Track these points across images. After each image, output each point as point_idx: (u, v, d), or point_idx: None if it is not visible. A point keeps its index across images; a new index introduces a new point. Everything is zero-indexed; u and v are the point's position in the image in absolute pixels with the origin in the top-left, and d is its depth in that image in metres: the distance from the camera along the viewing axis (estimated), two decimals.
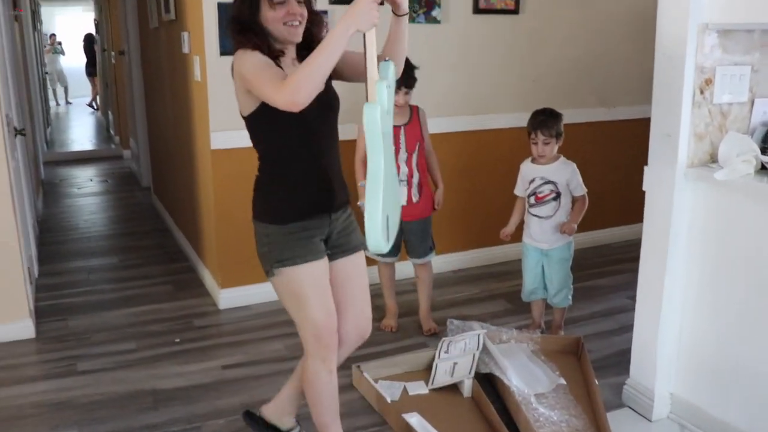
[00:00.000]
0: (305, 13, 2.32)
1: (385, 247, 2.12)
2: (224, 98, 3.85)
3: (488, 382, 3.20)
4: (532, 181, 3.62)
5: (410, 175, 3.67)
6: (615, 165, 5.12)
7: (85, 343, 3.78)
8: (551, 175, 3.58)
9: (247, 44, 2.27)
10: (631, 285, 4.26)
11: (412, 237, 3.76)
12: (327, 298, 2.41)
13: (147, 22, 5.89)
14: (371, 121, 2.08)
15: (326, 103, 2.37)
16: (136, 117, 7.27)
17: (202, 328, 3.92)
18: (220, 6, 3.74)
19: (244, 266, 4.08)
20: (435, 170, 3.79)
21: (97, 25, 13.08)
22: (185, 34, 4.21)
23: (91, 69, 14.37)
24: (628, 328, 3.20)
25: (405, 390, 3.16)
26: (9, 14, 5.17)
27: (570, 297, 3.72)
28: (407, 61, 3.41)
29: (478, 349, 3.20)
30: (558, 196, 3.57)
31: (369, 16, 2.09)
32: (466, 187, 4.65)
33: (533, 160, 3.65)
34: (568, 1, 4.69)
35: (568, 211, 3.62)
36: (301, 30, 2.32)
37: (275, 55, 2.29)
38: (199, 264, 4.70)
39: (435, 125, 4.29)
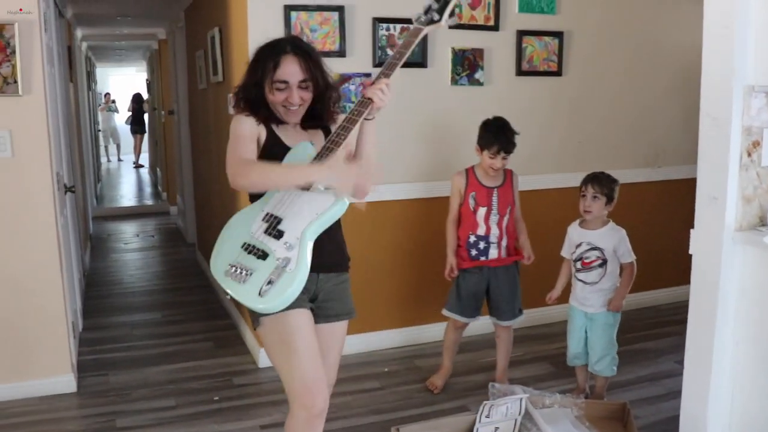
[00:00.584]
0: (307, 96, 2.42)
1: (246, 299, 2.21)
2: None
3: None
4: (579, 245, 3.58)
5: (500, 238, 3.69)
6: (663, 225, 5.05)
7: (126, 399, 3.79)
8: (598, 240, 3.53)
9: (244, 110, 2.44)
10: (679, 348, 4.15)
11: (498, 297, 3.75)
12: (312, 351, 2.35)
13: (196, 83, 6.04)
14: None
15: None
16: (183, 174, 7.41)
17: (241, 387, 3.91)
18: None
19: None
20: (522, 234, 3.82)
21: (148, 85, 13.46)
22: (231, 96, 4.30)
23: (135, 127, 14.77)
24: (677, 393, 3.11)
25: None
26: (65, 77, 5.35)
27: (614, 367, 3.61)
28: (508, 126, 3.62)
29: (520, 413, 3.13)
30: (604, 263, 3.52)
31: (347, 183, 2.21)
32: None
33: (581, 223, 3.61)
34: (611, 63, 4.70)
35: (616, 277, 3.55)
36: (301, 111, 2.44)
37: (274, 122, 2.45)
38: (240, 321, 4.71)
39: None
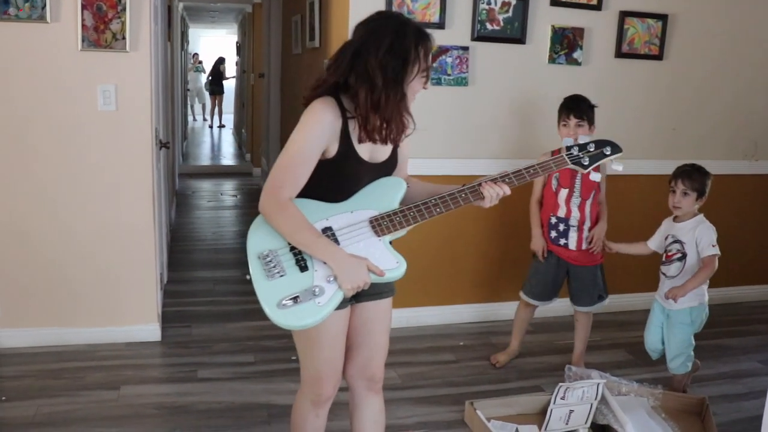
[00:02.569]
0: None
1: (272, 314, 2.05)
2: None
3: None
4: (667, 237, 3.52)
5: (581, 221, 3.65)
6: (757, 220, 4.92)
7: (207, 351, 3.91)
8: (681, 234, 3.45)
9: (379, 124, 2.12)
10: (763, 348, 4.08)
11: (578, 284, 3.73)
12: (338, 350, 2.31)
13: (290, 47, 6.11)
14: None
15: (387, 168, 2.28)
16: (270, 137, 7.52)
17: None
18: None
19: None
20: (601, 221, 3.72)
21: (238, 48, 13.67)
22: (327, 62, 4.35)
23: (214, 88, 15.10)
24: (759, 394, 3.05)
25: None
26: (165, 36, 5.47)
27: (689, 365, 3.53)
28: (579, 96, 3.63)
29: (596, 398, 3.11)
30: (683, 256, 3.42)
31: (355, 277, 2.05)
32: None
33: (674, 218, 3.52)
34: (713, 49, 4.55)
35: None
36: None
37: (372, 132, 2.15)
38: None
39: None
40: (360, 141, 2.16)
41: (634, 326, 4.45)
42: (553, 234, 3.67)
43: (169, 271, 5.19)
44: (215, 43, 18.07)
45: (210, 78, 15.26)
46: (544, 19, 4.13)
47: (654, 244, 3.61)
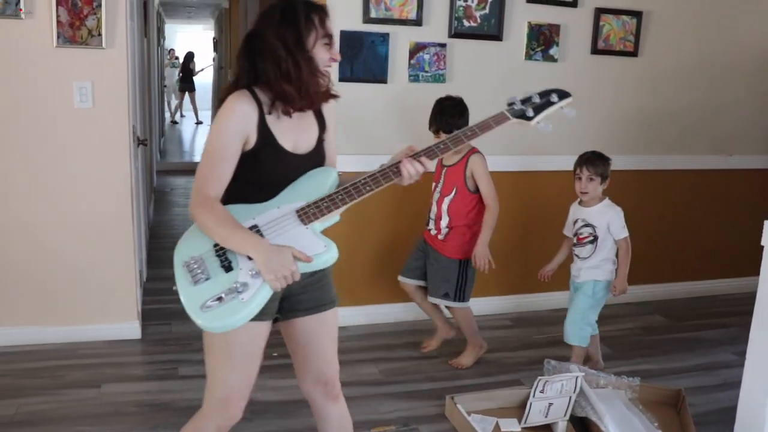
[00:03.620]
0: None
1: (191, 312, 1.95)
2: (339, 122, 3.95)
3: (583, 427, 3.14)
4: (576, 222, 3.69)
5: (438, 217, 3.69)
6: (729, 214, 4.98)
7: (187, 348, 3.90)
8: (591, 218, 3.65)
9: (283, 101, 2.06)
10: (736, 340, 4.14)
11: (430, 270, 3.77)
12: (252, 366, 2.20)
13: None
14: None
15: (313, 159, 2.20)
16: None
17: None
18: (344, 34, 3.85)
19: (345, 288, 4.14)
20: (484, 221, 3.62)
21: (215, 44, 13.61)
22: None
23: (183, 84, 15.06)
24: (733, 385, 3.09)
25: (497, 426, 3.14)
26: (141, 31, 5.44)
27: (586, 338, 3.69)
28: (453, 105, 3.57)
29: (575, 391, 3.15)
30: (595, 239, 3.62)
31: (278, 267, 1.93)
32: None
33: (581, 202, 3.70)
34: (688, 46, 4.61)
35: (607, 252, 3.64)
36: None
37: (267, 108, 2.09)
38: None
39: (546, 162, 4.29)
40: (282, 135, 2.10)
41: (611, 320, 4.50)
42: (428, 219, 3.79)
43: (149, 269, 5.17)
44: (192, 38, 17.97)
45: (180, 74, 15.18)
46: (520, 16, 4.16)
47: (568, 230, 3.78)
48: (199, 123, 15.42)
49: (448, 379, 3.65)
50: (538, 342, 4.15)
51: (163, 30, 13.63)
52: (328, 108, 2.26)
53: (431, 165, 2.15)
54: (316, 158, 2.20)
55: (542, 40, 4.22)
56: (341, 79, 3.89)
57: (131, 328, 3.98)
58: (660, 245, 4.86)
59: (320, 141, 2.22)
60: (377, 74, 3.95)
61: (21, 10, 3.44)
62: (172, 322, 4.25)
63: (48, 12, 3.49)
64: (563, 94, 2.26)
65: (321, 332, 2.30)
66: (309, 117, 2.19)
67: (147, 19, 7.01)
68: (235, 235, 1.97)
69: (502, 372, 3.74)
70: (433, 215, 3.72)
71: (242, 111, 2.05)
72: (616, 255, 3.66)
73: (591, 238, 3.62)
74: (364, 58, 3.90)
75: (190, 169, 10.04)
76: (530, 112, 2.22)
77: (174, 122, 15.46)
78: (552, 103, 2.24)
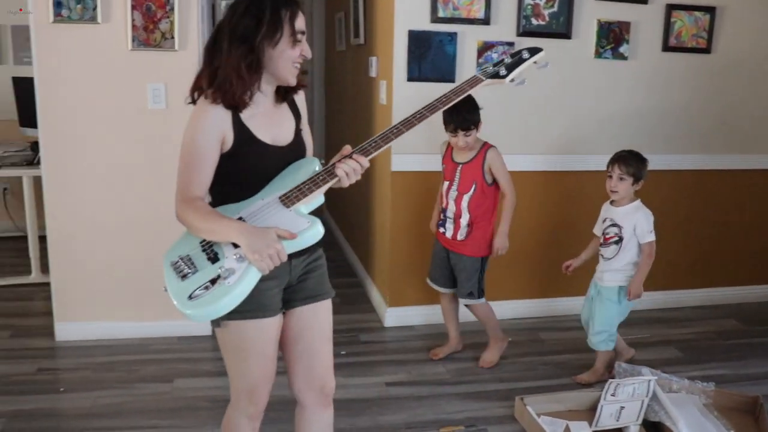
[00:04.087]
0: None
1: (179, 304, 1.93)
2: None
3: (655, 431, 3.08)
4: (604, 221, 3.63)
5: (458, 215, 3.61)
6: None
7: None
8: (619, 218, 3.56)
9: (222, 92, 2.01)
10: None
11: (458, 273, 3.70)
12: (268, 360, 2.19)
13: (333, 44, 6.14)
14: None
15: (294, 151, 2.19)
16: (314, 133, 7.56)
17: (368, 344, 4.01)
18: (411, 33, 3.86)
19: (412, 287, 4.16)
20: (504, 212, 3.60)
21: None
22: (373, 59, 4.37)
23: None
24: None
25: (567, 428, 3.10)
26: (209, 32, 5.52)
27: (611, 344, 3.64)
28: (465, 102, 3.05)
29: (647, 395, 3.09)
30: (620, 240, 3.53)
31: (261, 245, 1.89)
32: None
33: (612, 201, 3.62)
34: (763, 42, 4.46)
35: (632, 257, 3.55)
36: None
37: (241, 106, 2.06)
38: (367, 280, 4.81)
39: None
40: (258, 130, 2.08)
41: (684, 323, 4.42)
42: (439, 222, 3.72)
43: None
44: None
45: None
46: (589, 14, 4.10)
47: (598, 230, 3.70)
48: None
49: (516, 380, 3.62)
50: None
51: None
52: (300, 98, 2.25)
53: (365, 162, 2.09)
54: (297, 150, 2.19)
55: (612, 37, 4.15)
56: (409, 79, 3.90)
57: (203, 325, 4.03)
58: (733, 247, 4.74)
59: (298, 131, 2.21)
60: (445, 74, 3.94)
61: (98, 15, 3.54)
62: None
63: (123, 17, 3.58)
64: (534, 50, 2.29)
65: (314, 325, 2.28)
66: (283, 109, 2.18)
67: (214, 20, 7.13)
68: (219, 225, 1.95)
69: (572, 374, 3.68)
70: (451, 214, 3.63)
71: (213, 112, 2.02)
72: None
73: (616, 238, 3.54)
74: (432, 58, 3.90)
75: None
76: (503, 71, 2.25)
77: None
78: (524, 60, 2.26)
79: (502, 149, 3.58)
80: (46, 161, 3.73)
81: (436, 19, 3.87)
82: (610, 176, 3.53)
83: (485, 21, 3.93)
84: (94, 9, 3.55)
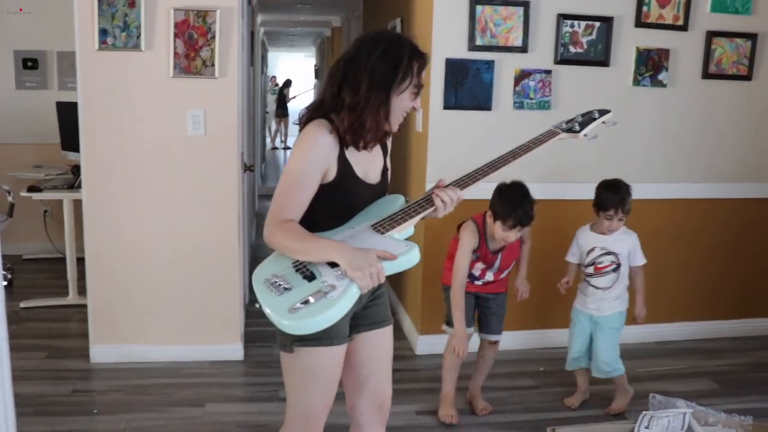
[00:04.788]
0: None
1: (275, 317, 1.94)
2: (443, 150, 3.97)
3: None
4: (592, 250, 3.52)
5: (496, 279, 3.49)
6: None
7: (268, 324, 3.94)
8: (612, 245, 3.49)
9: (353, 133, 2.08)
10: None
11: (492, 313, 3.55)
12: (333, 386, 2.23)
13: None
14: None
15: (381, 189, 2.26)
16: None
17: (399, 371, 3.95)
18: (449, 62, 3.88)
19: (444, 314, 4.14)
20: (524, 257, 3.56)
21: (316, 71, 13.91)
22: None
23: (279, 110, 15.31)
24: None
25: None
26: (248, 60, 5.62)
27: (621, 366, 3.58)
28: (528, 196, 3.25)
29: (682, 428, 3.03)
30: (618, 267, 3.48)
31: (364, 264, 1.93)
32: (678, 256, 4.45)
33: (593, 227, 3.54)
34: None
35: (626, 280, 3.52)
36: None
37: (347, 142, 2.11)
38: (399, 307, 4.80)
39: (651, 190, 4.18)
40: (357, 165, 2.14)
41: (720, 354, 4.35)
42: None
43: (250, 292, 5.28)
44: (292, 65, 18.44)
45: (277, 101, 15.55)
46: (628, 41, 4.09)
47: (575, 257, 3.62)
48: (286, 148, 15.76)
49: (549, 411, 3.58)
50: (642, 375, 4.02)
51: (266, 58, 14.04)
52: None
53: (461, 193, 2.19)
54: (383, 188, 2.27)
55: (651, 65, 4.13)
56: (446, 107, 3.92)
57: (235, 350, 4.07)
58: None
59: (385, 171, 2.27)
60: (482, 101, 3.95)
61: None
62: (274, 344, 4.28)
63: (166, 44, 3.65)
64: (603, 111, 2.51)
65: (382, 347, 2.36)
66: (376, 147, 2.23)
67: (253, 47, 7.23)
68: (316, 244, 2.00)
69: (605, 405, 3.63)
70: (489, 278, 3.47)
71: (326, 143, 2.07)
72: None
73: (613, 266, 3.48)
74: (469, 86, 3.91)
75: None
76: (577, 127, 2.45)
77: (274, 148, 15.82)
78: (594, 119, 2.47)
79: (542, 178, 3.57)
80: (87, 185, 3.80)
81: (473, 47, 3.89)
82: (610, 218, 3.43)
83: (523, 49, 3.94)
84: (138, 37, 3.62)
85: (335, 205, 2.13)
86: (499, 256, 3.41)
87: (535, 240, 3.92)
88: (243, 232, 4.48)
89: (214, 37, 3.66)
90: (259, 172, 10.34)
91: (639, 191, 3.76)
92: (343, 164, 2.11)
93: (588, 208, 3.58)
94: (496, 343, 3.61)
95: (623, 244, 3.49)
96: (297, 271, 2.02)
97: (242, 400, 3.64)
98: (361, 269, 1.92)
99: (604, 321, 3.54)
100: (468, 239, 3.35)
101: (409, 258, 2.05)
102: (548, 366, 4.11)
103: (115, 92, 3.70)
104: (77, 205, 4.28)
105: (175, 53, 3.65)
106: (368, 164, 2.19)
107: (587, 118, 2.49)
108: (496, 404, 3.61)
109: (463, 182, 2.20)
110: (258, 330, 4.52)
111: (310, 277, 1.99)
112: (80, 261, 4.17)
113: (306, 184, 2.06)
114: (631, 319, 3.61)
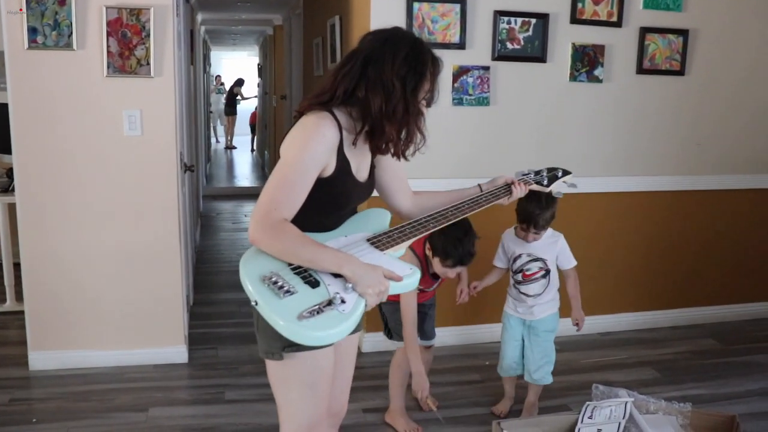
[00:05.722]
0: None
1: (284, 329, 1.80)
2: None
3: None
4: (519, 257, 3.39)
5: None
6: None
7: (234, 373, 3.92)
8: (539, 252, 3.36)
9: (372, 135, 2.02)
10: None
11: (426, 318, 3.47)
12: (329, 388, 2.13)
13: (311, 69, 6.16)
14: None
15: (370, 187, 2.22)
16: None
17: None
18: None
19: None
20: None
21: (260, 70, 13.80)
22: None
23: (227, 109, 15.23)
24: None
25: None
26: (188, 59, 5.54)
27: (550, 374, 3.48)
28: (471, 233, 3.05)
29: (624, 417, 3.08)
30: (547, 273, 3.37)
31: (375, 281, 1.88)
32: (619, 249, 4.54)
33: (517, 232, 3.39)
34: (736, 63, 4.53)
35: (557, 284, 3.41)
36: None
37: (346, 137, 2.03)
38: None
39: (589, 184, 4.24)
40: (353, 162, 2.06)
41: (660, 343, 4.44)
42: None
43: (195, 293, 5.23)
44: (237, 65, 18.27)
45: (226, 100, 15.45)
46: (564, 37, 4.15)
47: (502, 262, 3.49)
48: (232, 148, 15.62)
49: (494, 404, 3.61)
50: (585, 366, 4.08)
51: (209, 57, 13.88)
52: None
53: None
54: (371, 187, 2.22)
55: (587, 60, 4.19)
56: None
57: (178, 353, 4.02)
58: (710, 267, 4.77)
59: (372, 169, 2.20)
60: None
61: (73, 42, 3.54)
62: (219, 346, 4.29)
63: (99, 43, 3.58)
64: (566, 172, 2.62)
65: (349, 352, 2.31)
66: (365, 144, 2.14)
67: (193, 47, 7.14)
68: (325, 253, 1.89)
69: (549, 396, 3.68)
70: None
71: (330, 136, 1.96)
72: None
73: (542, 272, 3.36)
74: None
75: (235, 194, 10.19)
76: (545, 181, 2.57)
77: (228, 147, 15.68)
78: (557, 177, 2.59)
79: (482, 173, 3.56)
80: (20, 188, 3.70)
81: None
82: (525, 230, 3.30)
83: (461, 45, 3.97)
84: (70, 36, 3.54)
85: (325, 200, 2.02)
86: (439, 280, 3.29)
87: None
88: (186, 233, 4.42)
89: (148, 36, 3.60)
90: (204, 173, 10.23)
91: (578, 185, 3.81)
92: (342, 160, 2.01)
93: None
94: (432, 345, 3.56)
95: (550, 249, 3.36)
96: (297, 273, 1.90)
97: (187, 403, 3.59)
98: (372, 287, 1.86)
99: (539, 324, 3.44)
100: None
101: (412, 282, 2.00)
102: (493, 360, 4.12)
103: (47, 93, 3.61)
104: (12, 208, 4.18)
105: (109, 52, 3.58)
106: (361, 162, 2.11)
107: (552, 176, 2.59)
108: (442, 399, 3.62)
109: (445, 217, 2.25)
110: (202, 332, 4.48)
111: (314, 283, 1.88)
112: (17, 266, 4.07)
113: (305, 179, 1.93)
114: (571, 325, 3.48)
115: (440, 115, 4.01)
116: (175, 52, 3.75)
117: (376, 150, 2.06)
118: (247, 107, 15.81)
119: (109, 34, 3.56)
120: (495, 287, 3.83)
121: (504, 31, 4.02)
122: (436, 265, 3.10)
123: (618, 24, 4.22)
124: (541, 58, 4.12)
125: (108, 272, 3.84)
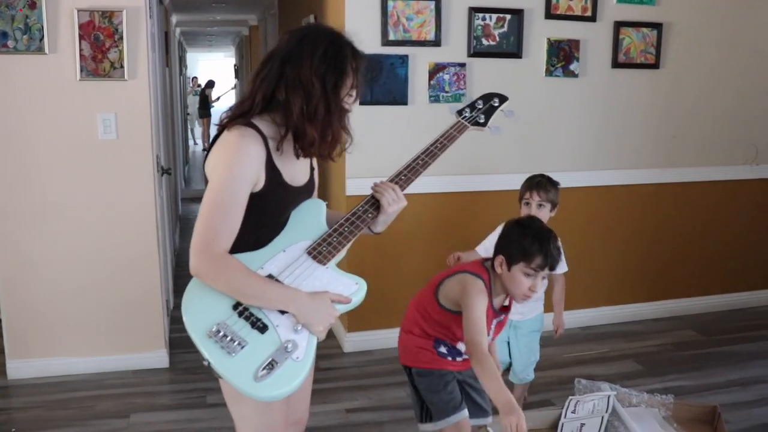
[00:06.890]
0: None
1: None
2: (360, 147, 3.95)
3: None
4: None
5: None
6: (757, 225, 4.91)
7: (215, 376, 3.88)
8: None
9: (301, 142, 1.90)
10: None
11: (478, 389, 2.83)
12: (284, 401, 1.93)
13: None
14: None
15: (308, 191, 2.11)
16: None
17: (327, 370, 3.97)
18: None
19: (370, 311, 4.12)
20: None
21: (236, 71, 13.75)
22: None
23: (201, 111, 15.12)
24: None
25: None
26: (162, 61, 5.50)
27: (533, 371, 3.44)
28: (553, 234, 2.46)
29: (607, 411, 3.09)
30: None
31: (324, 315, 1.81)
32: (597, 243, 4.55)
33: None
34: (710, 55, 4.56)
35: (544, 285, 3.20)
36: None
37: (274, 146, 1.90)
38: None
39: (567, 179, 4.25)
40: (284, 171, 1.94)
41: (642, 336, 4.46)
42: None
43: (175, 297, 5.19)
44: (213, 66, 18.20)
45: (199, 102, 15.33)
46: (539, 33, 4.15)
47: (485, 251, 3.20)
48: (204, 149, 15.55)
49: None
50: (567, 361, 4.10)
51: (184, 59, 13.81)
52: None
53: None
54: (311, 189, 2.12)
55: (562, 55, 4.20)
56: (362, 103, 3.89)
57: (159, 357, 3.99)
58: (689, 259, 4.80)
59: (312, 169, 2.12)
60: (397, 96, 3.95)
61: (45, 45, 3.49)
62: None
63: (71, 46, 3.53)
64: (502, 98, 2.40)
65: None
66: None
67: (168, 49, 7.09)
68: (268, 291, 1.81)
69: (532, 392, 3.68)
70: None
71: (255, 153, 1.85)
72: None
73: None
74: (384, 81, 3.91)
75: None
76: (481, 118, 2.33)
77: (205, 149, 15.55)
78: (494, 108, 2.38)
79: (459, 170, 3.56)
80: None
81: (387, 42, 3.89)
82: (528, 203, 3.21)
83: (436, 43, 3.96)
84: (41, 39, 3.49)
85: (261, 216, 1.91)
86: (497, 320, 2.59)
87: (456, 231, 3.97)
88: (164, 236, 4.39)
89: (121, 38, 3.56)
90: (182, 175, 10.17)
91: (557, 180, 3.82)
92: (272, 172, 1.90)
93: (507, 199, 3.59)
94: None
95: None
96: (241, 317, 1.80)
97: (169, 408, 3.56)
98: (322, 323, 1.81)
99: (524, 326, 3.37)
100: (480, 299, 2.40)
101: (360, 297, 1.93)
102: None
103: (19, 97, 3.56)
104: None
105: (82, 55, 3.53)
106: (294, 167, 1.99)
107: (488, 107, 2.36)
108: None
109: (399, 179, 2.08)
110: (183, 336, 4.37)
111: (263, 327, 1.79)
112: None
113: (237, 202, 1.83)
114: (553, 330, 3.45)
115: (418, 112, 4.01)
116: (149, 54, 3.72)
117: (300, 153, 1.93)
118: (222, 108, 15.72)
119: (81, 37, 3.52)
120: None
121: (479, 27, 4.02)
122: (516, 278, 2.41)
123: (593, 18, 4.23)
124: (516, 54, 4.12)
125: (85, 278, 3.80)
